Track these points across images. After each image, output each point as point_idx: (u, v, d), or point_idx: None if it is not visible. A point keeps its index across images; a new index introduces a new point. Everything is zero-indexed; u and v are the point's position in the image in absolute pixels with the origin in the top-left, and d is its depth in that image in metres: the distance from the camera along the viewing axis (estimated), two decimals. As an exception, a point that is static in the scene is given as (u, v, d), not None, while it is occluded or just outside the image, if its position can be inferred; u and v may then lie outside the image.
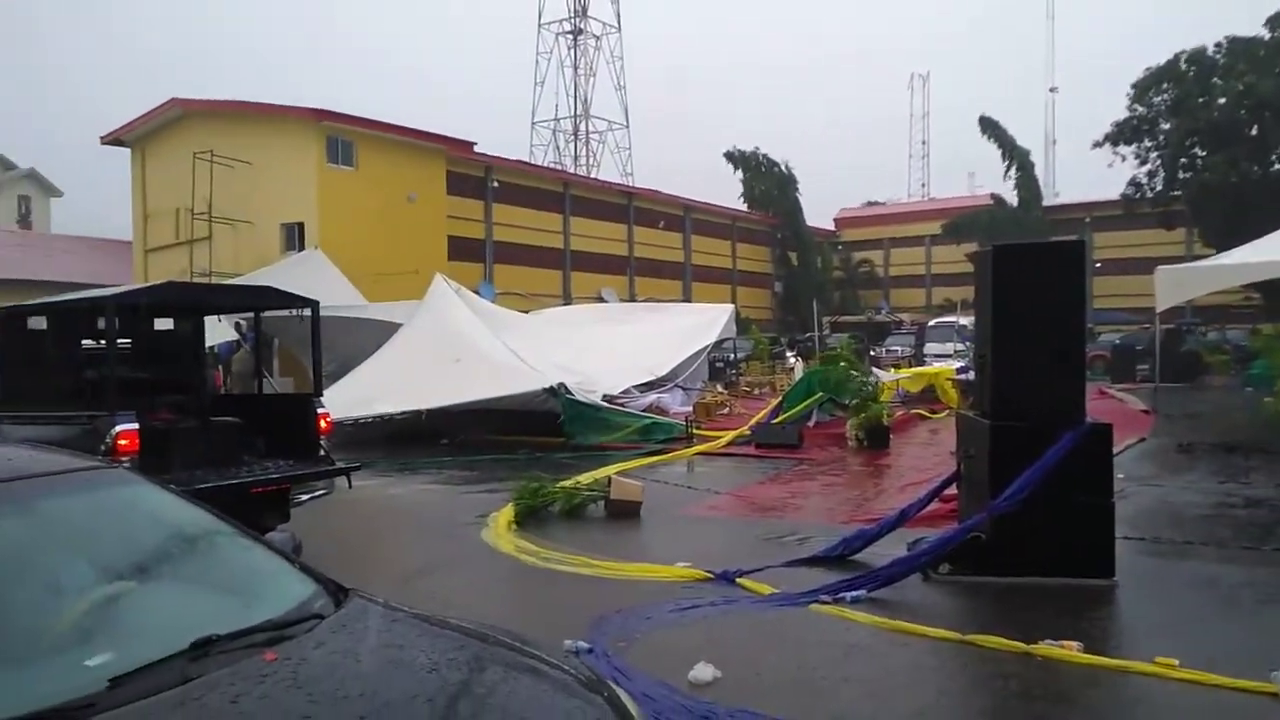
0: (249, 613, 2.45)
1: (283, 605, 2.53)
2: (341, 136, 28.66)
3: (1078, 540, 6.30)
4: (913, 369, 24.69)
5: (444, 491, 11.53)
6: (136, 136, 32.29)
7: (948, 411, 18.26)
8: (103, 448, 6.45)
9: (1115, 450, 7.21)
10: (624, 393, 17.42)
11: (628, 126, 57.31)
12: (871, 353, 30.52)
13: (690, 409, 18.04)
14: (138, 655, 2.12)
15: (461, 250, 32.83)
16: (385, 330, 17.70)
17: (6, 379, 7.80)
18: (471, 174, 33.95)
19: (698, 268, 46.64)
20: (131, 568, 2.63)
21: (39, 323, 7.94)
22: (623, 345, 19.76)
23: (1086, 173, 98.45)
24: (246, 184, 27.97)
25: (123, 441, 6.58)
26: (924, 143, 79.60)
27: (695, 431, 15.44)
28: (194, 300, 9.10)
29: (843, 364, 15.76)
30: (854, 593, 6.05)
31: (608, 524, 9.07)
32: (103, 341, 7.37)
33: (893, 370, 21.79)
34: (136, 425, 6.71)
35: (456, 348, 15.87)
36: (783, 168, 52.14)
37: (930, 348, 33.31)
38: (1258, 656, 4.78)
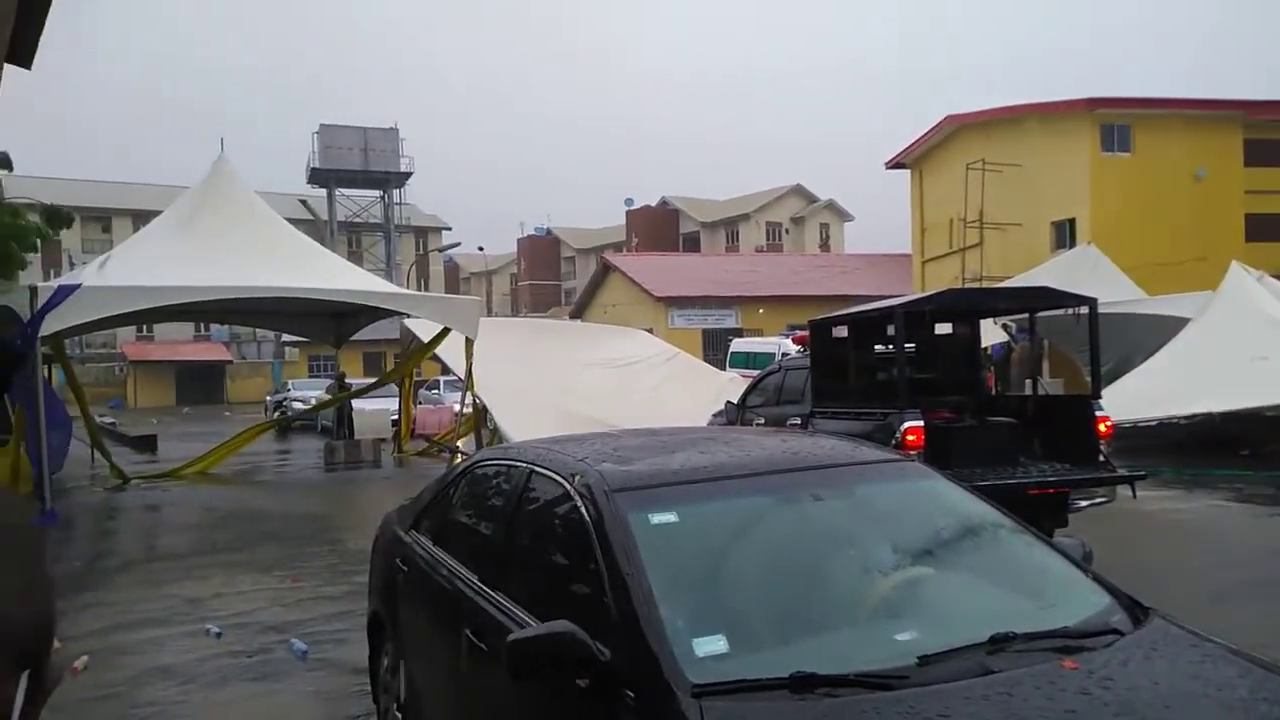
0: (1042, 615, 2.45)
1: (1077, 614, 2.47)
2: (1117, 122, 26.90)
3: None
4: None
5: (1245, 511, 9.96)
6: (914, 158, 35.12)
7: None
8: (893, 442, 7.14)
9: None
10: None
11: None
12: None
13: None
14: (941, 639, 2.28)
15: (1264, 229, 27.82)
16: (1167, 326, 16.00)
17: (817, 379, 9.16)
18: (1278, 138, 28.58)
19: None
20: (929, 553, 2.86)
21: (840, 332, 9.16)
22: None
23: None
24: (1015, 187, 28.17)
25: (910, 437, 7.21)
26: None
27: None
28: (971, 305, 9.49)
29: None
30: None
31: None
32: (892, 346, 8.19)
33: None
34: (921, 422, 7.29)
35: (1261, 343, 13.53)
36: None
37: None
38: None
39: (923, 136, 33.99)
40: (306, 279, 13.60)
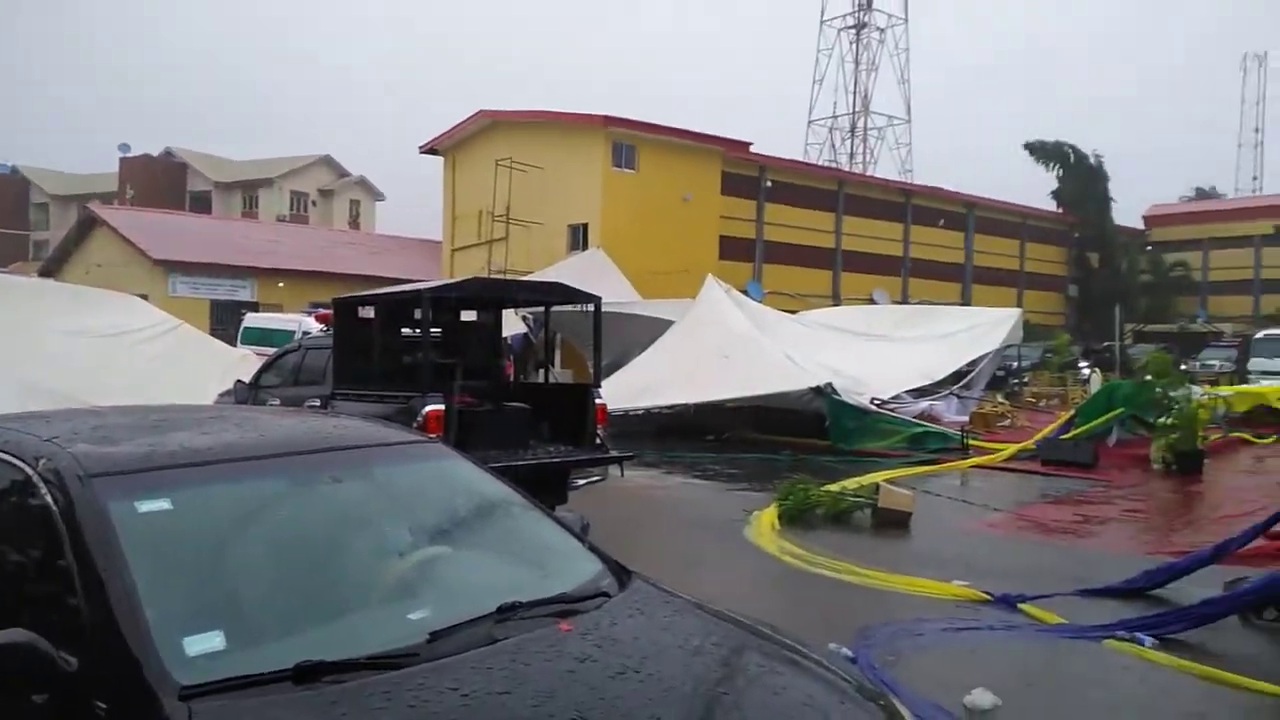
0: (545, 584, 2.64)
1: (574, 580, 2.70)
2: (625, 141, 30.02)
3: None
4: (1234, 387, 21.80)
5: (709, 487, 11.74)
6: (448, 146, 35.68)
7: (1277, 437, 15.97)
8: (414, 424, 7.19)
9: None
10: (894, 398, 16.82)
11: (909, 121, 55.24)
12: (1183, 367, 27.34)
13: (966, 419, 17.09)
14: (451, 613, 2.34)
15: (732, 250, 33.22)
16: (658, 327, 18.32)
17: (339, 360, 8.88)
18: (746, 174, 34.24)
19: (980, 269, 44.01)
20: (446, 532, 2.92)
21: (367, 312, 8.98)
22: (894, 348, 19.07)
23: None
24: (539, 188, 30.07)
25: (431, 420, 7.32)
26: (1257, 131, 69.65)
27: (972, 443, 14.63)
28: (495, 295, 9.91)
29: (1157, 377, 13.93)
30: (1158, 631, 5.45)
31: (875, 533, 8.83)
32: (418, 330, 8.23)
33: (1209, 387, 19.32)
34: (442, 406, 7.45)
35: (726, 345, 16.10)
36: (1091, 160, 47.70)
37: (1257, 363, 29.15)
38: None
39: (457, 126, 34.70)
40: None
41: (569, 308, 9.99)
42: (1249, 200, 57.83)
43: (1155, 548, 8.18)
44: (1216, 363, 31.46)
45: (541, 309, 11.01)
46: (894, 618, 5.79)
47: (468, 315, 9.54)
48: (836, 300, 35.69)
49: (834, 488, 9.78)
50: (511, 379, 16.97)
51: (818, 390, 14.63)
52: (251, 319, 25.07)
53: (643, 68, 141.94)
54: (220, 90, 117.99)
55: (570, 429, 8.49)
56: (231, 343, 20.66)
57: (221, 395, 11.01)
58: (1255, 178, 68.58)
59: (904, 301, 37.36)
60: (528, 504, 3.10)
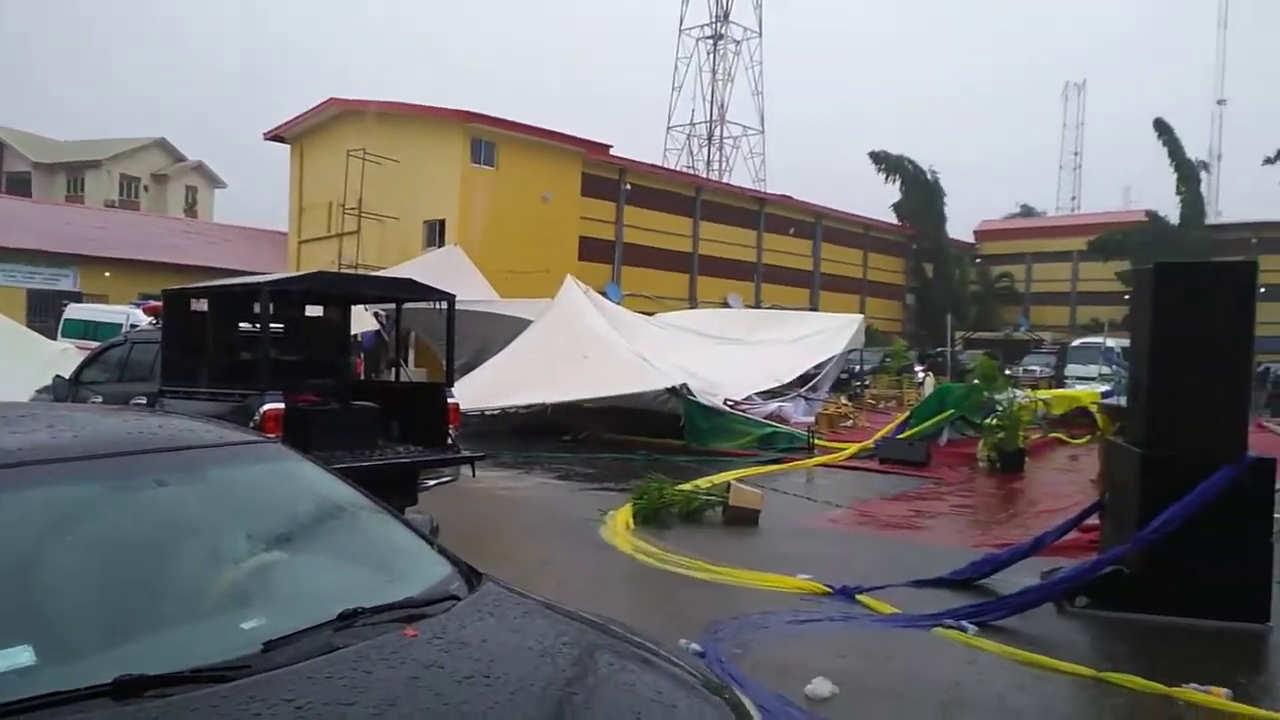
0: (391, 588, 2.56)
1: (421, 584, 2.63)
2: (485, 138, 29.58)
3: (1232, 580, 5.89)
4: (1052, 391, 23.60)
5: (565, 487, 11.73)
6: (296, 134, 34.20)
7: (1089, 437, 17.37)
8: (251, 424, 6.84)
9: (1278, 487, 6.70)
10: (746, 399, 17.31)
11: (763, 132, 56.98)
12: (1007, 372, 29.44)
13: (812, 419, 17.77)
14: (289, 622, 2.24)
15: (591, 251, 33.34)
16: (516, 326, 18.17)
17: (169, 355, 8.36)
18: (606, 176, 34.43)
19: (827, 276, 45.91)
20: (285, 537, 2.79)
21: (200, 305, 8.49)
22: (747, 351, 19.62)
23: (1251, 191, 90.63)
24: (394, 181, 29.22)
25: (270, 419, 6.99)
26: (1076, 154, 75.61)
27: (817, 442, 15.22)
28: (342, 289, 9.55)
29: (984, 381, 15.02)
30: (981, 619, 5.83)
31: (725, 530, 9.04)
32: (257, 325, 7.84)
33: (1030, 391, 20.82)
34: (282, 405, 7.12)
35: (584, 346, 16.14)
36: (928, 175, 50.65)
37: (1072, 369, 31.72)
38: None
39: (305, 113, 33.35)
40: None
41: (423, 305, 9.76)
42: (1068, 218, 62.85)
43: (981, 540, 8.74)
44: (1037, 368, 33.98)
45: (394, 306, 10.70)
46: (742, 612, 5.95)
47: (314, 310, 9.17)
48: (692, 303, 36.40)
49: (687, 487, 9.96)
50: (361, 377, 16.48)
51: (673, 391, 14.87)
52: (74, 310, 23.30)
53: (500, 62, 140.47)
54: (46, 65, 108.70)
55: (421, 429, 8.30)
56: (51, 335, 19.14)
57: (39, 392, 10.20)
58: (1074, 197, 74.56)
59: (756, 306, 38.54)
60: (374, 506, 3.01)
